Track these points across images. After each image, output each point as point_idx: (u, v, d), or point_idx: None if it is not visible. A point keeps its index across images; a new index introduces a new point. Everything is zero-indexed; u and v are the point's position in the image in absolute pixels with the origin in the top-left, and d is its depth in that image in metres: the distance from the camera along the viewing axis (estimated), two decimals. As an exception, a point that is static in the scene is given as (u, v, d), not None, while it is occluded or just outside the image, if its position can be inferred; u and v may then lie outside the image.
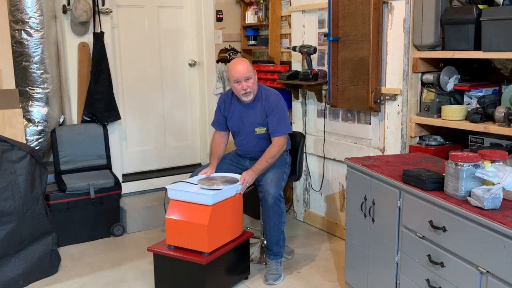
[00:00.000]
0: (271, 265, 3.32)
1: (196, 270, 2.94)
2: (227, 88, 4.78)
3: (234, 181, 3.19)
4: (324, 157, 4.04)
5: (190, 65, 4.86)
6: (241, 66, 3.29)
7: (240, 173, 3.27)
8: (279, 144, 3.35)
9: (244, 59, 3.44)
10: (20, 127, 3.64)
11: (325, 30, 3.81)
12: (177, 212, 3.02)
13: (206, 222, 2.89)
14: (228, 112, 3.48)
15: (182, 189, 3.08)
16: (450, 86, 3.16)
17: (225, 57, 4.94)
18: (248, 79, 3.29)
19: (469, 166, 2.07)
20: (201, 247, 2.94)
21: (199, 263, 2.91)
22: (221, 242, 3.04)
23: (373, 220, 2.64)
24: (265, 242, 3.68)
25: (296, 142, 3.70)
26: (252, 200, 4.52)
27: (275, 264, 3.32)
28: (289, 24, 4.34)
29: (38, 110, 3.98)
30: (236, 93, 3.38)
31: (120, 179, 4.30)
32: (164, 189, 3.15)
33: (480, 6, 2.80)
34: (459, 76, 3.18)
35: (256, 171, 3.24)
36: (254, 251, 3.68)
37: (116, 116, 4.31)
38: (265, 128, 3.40)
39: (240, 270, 3.30)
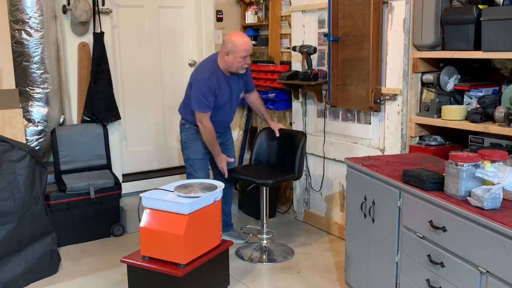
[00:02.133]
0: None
1: (171, 282, 2.82)
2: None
3: (212, 187, 3.09)
4: (324, 157, 4.04)
5: (190, 65, 4.86)
6: (249, 42, 3.44)
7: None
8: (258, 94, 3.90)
9: (243, 33, 3.61)
10: (20, 127, 3.64)
11: (325, 30, 3.81)
12: (152, 221, 2.88)
13: (182, 232, 2.77)
14: (218, 89, 3.51)
15: (157, 197, 2.94)
16: (450, 86, 3.16)
17: (225, 57, 4.94)
18: (249, 55, 3.49)
19: (469, 166, 2.07)
20: (177, 258, 2.81)
21: (174, 275, 2.78)
22: (198, 253, 2.93)
23: (373, 220, 2.64)
24: (265, 242, 3.69)
25: (297, 140, 3.69)
26: (252, 200, 4.54)
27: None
28: (289, 24, 4.34)
29: (38, 110, 3.98)
30: (233, 66, 3.46)
31: (120, 179, 4.30)
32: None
33: (480, 6, 2.80)
34: (459, 76, 3.18)
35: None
36: (254, 251, 3.68)
37: (116, 116, 4.31)
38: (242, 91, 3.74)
39: (219, 282, 3.19)
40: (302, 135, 3.76)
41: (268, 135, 3.92)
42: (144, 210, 2.95)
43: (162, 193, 3.02)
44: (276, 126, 3.82)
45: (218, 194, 3.06)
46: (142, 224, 2.92)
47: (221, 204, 3.42)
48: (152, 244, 2.89)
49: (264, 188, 3.69)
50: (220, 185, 3.14)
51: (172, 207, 2.86)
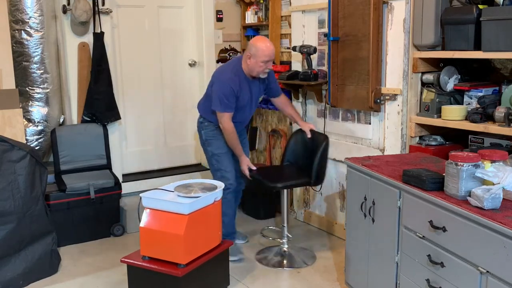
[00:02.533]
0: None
1: (171, 282, 2.82)
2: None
3: (213, 187, 3.08)
4: (324, 157, 4.04)
5: (190, 65, 4.86)
6: (272, 47, 3.43)
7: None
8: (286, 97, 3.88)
9: (267, 38, 3.55)
10: (20, 127, 3.64)
11: (325, 30, 3.81)
12: (152, 221, 2.88)
13: (182, 232, 2.77)
14: (239, 91, 3.49)
15: (157, 197, 2.93)
16: (450, 86, 3.16)
17: (225, 57, 4.94)
18: (272, 60, 3.48)
19: (469, 166, 2.07)
20: (177, 258, 2.81)
21: (174, 275, 2.78)
22: (198, 253, 2.93)
23: (373, 220, 2.64)
24: (286, 247, 3.62)
25: (317, 143, 3.55)
26: (252, 200, 4.54)
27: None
28: (289, 24, 4.34)
29: (38, 110, 3.98)
30: (254, 70, 3.44)
31: (120, 179, 4.30)
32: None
33: (480, 6, 2.80)
34: (459, 76, 3.18)
35: None
36: (272, 255, 3.63)
37: (116, 116, 4.31)
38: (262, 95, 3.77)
39: (219, 282, 3.19)
40: (324, 138, 3.58)
41: (299, 136, 3.78)
42: (144, 210, 2.95)
43: (162, 193, 3.01)
44: (307, 126, 3.72)
45: (218, 194, 3.06)
46: (142, 224, 2.92)
47: (232, 203, 3.53)
48: (152, 244, 2.89)
49: (285, 191, 3.62)
50: (220, 185, 3.14)
51: (172, 207, 2.85)
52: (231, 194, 3.61)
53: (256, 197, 4.45)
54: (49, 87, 4.00)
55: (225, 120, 3.48)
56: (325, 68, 3.90)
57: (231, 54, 4.98)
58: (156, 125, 4.78)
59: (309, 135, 3.66)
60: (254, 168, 3.60)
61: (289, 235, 3.72)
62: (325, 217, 4.17)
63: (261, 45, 3.39)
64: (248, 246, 3.88)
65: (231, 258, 3.44)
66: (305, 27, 4.09)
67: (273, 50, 3.45)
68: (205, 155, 3.74)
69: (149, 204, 2.93)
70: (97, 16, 4.13)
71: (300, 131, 3.78)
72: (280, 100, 3.83)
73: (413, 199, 2.31)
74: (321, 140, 3.57)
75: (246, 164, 3.60)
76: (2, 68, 3.72)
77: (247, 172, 3.59)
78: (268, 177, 3.57)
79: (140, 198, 2.95)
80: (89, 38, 4.17)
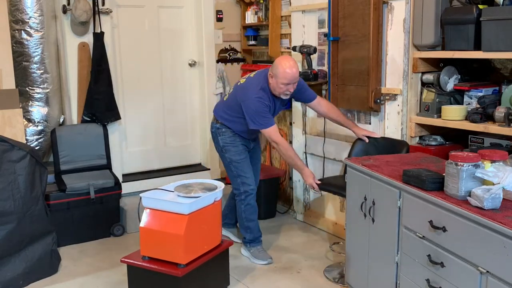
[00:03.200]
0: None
1: (171, 282, 2.81)
2: (227, 89, 4.78)
3: (213, 188, 3.08)
4: (324, 157, 4.04)
5: (190, 65, 4.86)
6: (294, 70, 3.25)
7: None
8: (323, 99, 3.65)
9: (294, 60, 3.32)
10: (20, 127, 3.64)
11: (325, 30, 3.81)
12: (152, 221, 2.88)
13: (182, 232, 2.77)
14: (271, 107, 3.42)
15: (157, 197, 2.93)
16: (450, 86, 3.16)
17: (225, 57, 4.95)
18: (295, 83, 3.32)
19: (469, 166, 2.07)
20: (177, 259, 2.81)
21: (174, 275, 2.78)
22: (198, 253, 2.93)
23: (373, 220, 2.64)
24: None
25: (395, 151, 3.18)
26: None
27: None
28: (289, 24, 4.34)
29: (38, 110, 3.98)
30: (276, 90, 3.32)
31: (120, 179, 4.30)
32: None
33: (480, 6, 2.80)
34: (459, 76, 3.18)
35: None
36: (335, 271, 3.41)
37: (116, 116, 4.31)
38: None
39: (219, 282, 3.19)
40: (403, 145, 3.23)
41: (364, 143, 3.43)
42: (144, 210, 2.94)
43: (162, 193, 3.01)
44: (362, 133, 3.43)
45: (218, 194, 3.05)
46: (142, 224, 2.92)
47: (256, 208, 3.59)
48: (152, 244, 2.88)
49: None
50: (220, 185, 3.13)
51: (172, 207, 2.85)
52: (253, 199, 3.60)
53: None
54: (49, 87, 4.00)
55: (274, 135, 3.35)
56: (325, 68, 3.90)
57: (231, 54, 4.98)
58: (156, 125, 4.78)
59: (366, 141, 3.41)
60: (318, 182, 3.37)
61: None
62: (325, 217, 4.17)
63: (281, 67, 3.24)
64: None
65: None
66: (305, 27, 4.09)
67: (295, 74, 3.26)
68: (222, 162, 3.67)
69: (149, 204, 2.93)
70: (97, 16, 4.13)
71: (359, 139, 3.47)
72: (321, 105, 3.56)
73: (413, 199, 2.31)
74: (399, 147, 3.23)
75: (312, 177, 3.38)
76: (2, 68, 3.72)
77: (315, 186, 3.35)
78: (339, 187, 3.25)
79: (140, 198, 2.94)
80: (89, 38, 4.17)
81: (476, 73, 3.19)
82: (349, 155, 3.46)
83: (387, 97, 3.40)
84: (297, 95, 3.53)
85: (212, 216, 3.04)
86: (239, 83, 3.55)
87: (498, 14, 2.67)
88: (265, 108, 3.33)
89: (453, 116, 2.98)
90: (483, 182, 2.06)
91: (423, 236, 2.25)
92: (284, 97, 3.39)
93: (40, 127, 4.01)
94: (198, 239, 2.93)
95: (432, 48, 3.11)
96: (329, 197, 4.08)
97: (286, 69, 3.23)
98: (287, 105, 3.66)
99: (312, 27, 4.02)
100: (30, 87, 3.94)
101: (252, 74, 3.55)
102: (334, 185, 3.34)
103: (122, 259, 2.98)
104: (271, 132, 3.35)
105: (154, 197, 2.94)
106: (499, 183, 1.99)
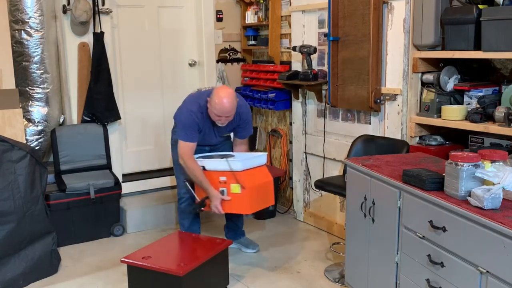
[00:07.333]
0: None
1: (171, 282, 2.82)
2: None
3: (231, 156, 3.43)
4: (324, 157, 4.04)
5: (190, 65, 4.86)
6: (229, 106, 3.20)
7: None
8: (247, 143, 3.72)
9: (232, 92, 3.27)
10: (20, 127, 3.64)
11: (325, 30, 3.81)
12: (247, 181, 3.21)
13: (271, 178, 3.42)
14: (201, 126, 3.38)
15: (238, 159, 3.31)
16: (450, 86, 3.16)
17: (225, 57, 4.94)
18: (228, 117, 3.29)
19: (469, 166, 2.06)
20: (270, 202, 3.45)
21: (175, 274, 2.80)
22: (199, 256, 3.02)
23: (373, 220, 2.64)
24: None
25: (394, 151, 3.17)
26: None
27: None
28: (289, 24, 4.34)
29: (38, 110, 3.98)
30: (210, 115, 3.30)
31: (120, 179, 4.30)
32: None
33: (480, 6, 2.80)
34: (459, 76, 3.18)
35: None
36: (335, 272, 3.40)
37: (116, 116, 4.31)
38: (231, 133, 3.63)
39: (219, 281, 3.20)
40: (403, 145, 3.21)
41: (364, 142, 3.45)
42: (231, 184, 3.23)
43: (216, 160, 3.35)
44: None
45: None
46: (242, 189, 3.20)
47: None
48: (255, 199, 3.28)
49: None
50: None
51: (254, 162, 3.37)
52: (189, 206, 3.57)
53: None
54: (49, 87, 4.00)
55: (185, 152, 3.31)
56: (325, 68, 3.90)
57: (231, 54, 4.98)
58: (156, 125, 4.78)
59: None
60: (228, 198, 3.25)
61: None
62: (325, 217, 4.17)
63: (219, 99, 3.20)
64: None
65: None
66: (305, 27, 4.09)
67: (228, 109, 3.20)
68: (172, 158, 3.64)
69: (237, 167, 3.24)
70: (97, 16, 4.13)
71: (363, 137, 3.48)
72: (239, 146, 3.62)
73: (413, 199, 2.31)
74: (398, 146, 3.22)
75: (219, 199, 3.25)
76: (2, 68, 3.72)
77: (220, 209, 3.25)
78: (339, 187, 3.26)
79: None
80: (89, 38, 4.18)
81: (476, 73, 3.19)
82: (349, 155, 3.46)
83: (387, 97, 3.40)
84: (237, 128, 3.53)
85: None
86: (193, 92, 3.59)
87: (498, 14, 2.67)
88: (193, 123, 3.30)
89: (453, 116, 2.98)
90: (483, 182, 2.06)
91: (423, 236, 2.25)
92: (219, 125, 3.35)
93: (40, 127, 4.01)
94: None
95: (432, 48, 3.11)
96: (329, 197, 4.08)
97: (221, 101, 3.19)
98: (232, 130, 3.58)
99: (312, 27, 4.02)
100: (30, 87, 3.94)
101: (206, 88, 3.60)
102: (334, 185, 3.34)
103: (122, 259, 2.99)
104: (186, 147, 3.31)
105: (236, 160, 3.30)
106: (499, 183, 1.99)
